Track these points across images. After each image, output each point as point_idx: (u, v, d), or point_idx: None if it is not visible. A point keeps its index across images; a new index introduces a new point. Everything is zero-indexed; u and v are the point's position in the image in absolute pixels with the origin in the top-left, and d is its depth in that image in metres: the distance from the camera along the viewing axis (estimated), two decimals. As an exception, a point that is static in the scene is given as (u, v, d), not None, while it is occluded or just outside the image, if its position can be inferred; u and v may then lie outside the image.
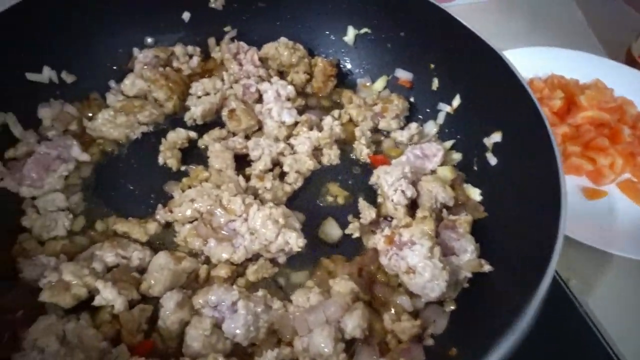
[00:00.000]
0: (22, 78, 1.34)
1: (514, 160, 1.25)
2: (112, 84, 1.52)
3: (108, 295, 1.01)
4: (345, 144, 1.48)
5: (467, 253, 1.14)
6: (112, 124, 1.39)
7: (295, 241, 1.14)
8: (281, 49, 1.58)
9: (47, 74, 1.38)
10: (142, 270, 1.14)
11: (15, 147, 1.28)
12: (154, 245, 1.21)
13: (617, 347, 1.27)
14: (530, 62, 1.78)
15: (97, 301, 1.02)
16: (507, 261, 1.13)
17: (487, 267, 1.12)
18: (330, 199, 1.35)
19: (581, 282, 1.41)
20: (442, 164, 1.39)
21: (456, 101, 1.44)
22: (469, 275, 1.13)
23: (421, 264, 1.07)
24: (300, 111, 1.51)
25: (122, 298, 1.02)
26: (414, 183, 1.32)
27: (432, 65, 1.49)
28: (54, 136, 1.34)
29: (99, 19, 1.47)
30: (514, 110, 1.26)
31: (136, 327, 1.02)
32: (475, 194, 1.31)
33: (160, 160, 1.37)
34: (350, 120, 1.53)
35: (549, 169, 1.11)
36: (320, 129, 1.46)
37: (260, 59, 1.60)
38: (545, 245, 1.00)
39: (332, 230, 1.27)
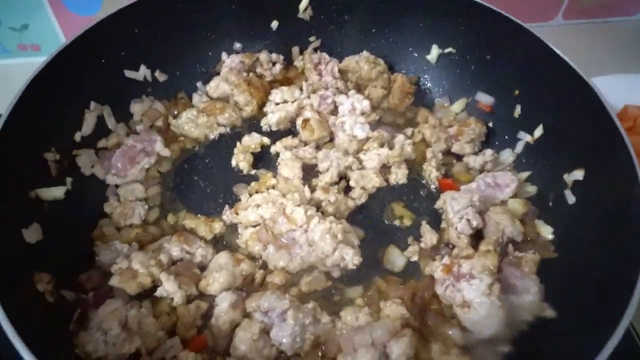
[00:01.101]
0: (121, 74, 1.45)
1: (594, 201, 1.17)
2: (199, 85, 1.61)
3: (169, 288, 1.08)
4: (414, 164, 1.46)
5: (529, 294, 1.08)
6: (193, 123, 1.48)
7: (351, 258, 1.15)
8: (362, 63, 1.59)
9: (142, 72, 1.49)
10: (203, 267, 1.20)
11: (107, 137, 1.40)
12: (218, 244, 1.27)
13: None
14: (624, 89, 1.63)
15: (159, 292, 1.09)
16: (574, 308, 1.06)
17: (549, 312, 1.06)
18: (393, 218, 1.34)
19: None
20: (515, 195, 1.33)
21: (538, 131, 1.36)
22: (529, 318, 1.07)
23: (478, 299, 1.03)
24: (374, 126, 1.51)
25: (181, 292, 1.08)
26: (482, 212, 1.27)
27: (517, 92, 1.43)
28: (142, 130, 1.45)
29: (194, 24, 1.55)
30: (600, 148, 1.18)
31: (191, 321, 1.07)
32: (547, 232, 1.24)
33: (233, 162, 1.43)
34: (423, 140, 1.50)
35: (632, 215, 1.03)
36: (391, 147, 1.45)
37: (340, 71, 1.62)
38: (619, 296, 0.93)
39: (396, 258, 1.25)
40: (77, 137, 1.33)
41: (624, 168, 1.07)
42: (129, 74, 1.47)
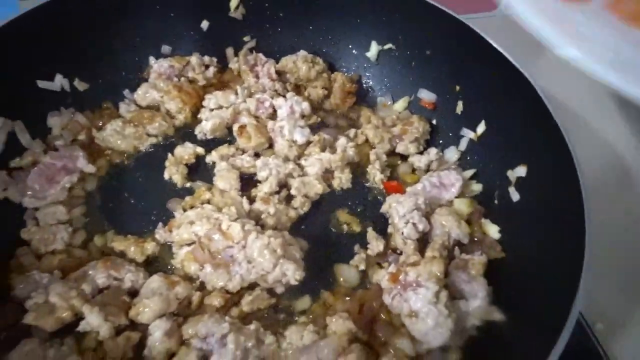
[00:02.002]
0: (33, 85, 1.32)
1: (538, 197, 1.16)
2: (126, 93, 1.49)
3: (94, 321, 0.98)
4: (358, 167, 1.41)
5: (477, 298, 1.05)
6: (120, 135, 1.37)
7: (293, 273, 1.08)
8: (299, 63, 1.52)
9: (59, 81, 1.37)
10: (134, 292, 1.10)
11: (22, 156, 1.27)
12: (151, 266, 1.18)
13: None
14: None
15: (82, 326, 0.99)
16: (523, 308, 1.04)
17: (498, 316, 1.03)
18: (338, 226, 1.28)
19: (608, 327, 1.28)
20: (460, 195, 1.30)
21: (481, 127, 1.34)
22: (478, 322, 1.04)
23: (425, 309, 0.99)
24: (315, 129, 1.45)
25: (108, 324, 0.99)
26: (428, 214, 1.24)
27: (458, 87, 1.40)
28: (61, 146, 1.32)
29: (115, 26, 1.44)
30: (542, 144, 1.16)
31: (120, 355, 0.98)
32: (493, 231, 1.21)
33: (166, 175, 1.33)
34: (367, 141, 1.45)
35: (575, 210, 1.02)
36: (333, 150, 1.39)
37: (278, 72, 1.55)
38: (565, 293, 0.92)
39: (349, 274, 1.19)
40: (-15, 158, 1.20)
41: (563, 163, 1.06)
42: (42, 84, 1.34)
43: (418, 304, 1.00)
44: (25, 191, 1.23)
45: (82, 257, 1.17)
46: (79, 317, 1.01)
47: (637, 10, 0.78)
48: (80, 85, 1.42)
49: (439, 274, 1.05)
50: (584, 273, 0.93)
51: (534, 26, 0.74)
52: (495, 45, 1.27)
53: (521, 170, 1.20)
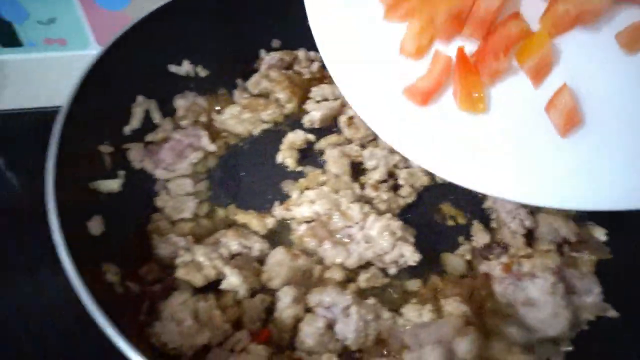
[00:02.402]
0: (165, 70, 1.44)
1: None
2: (239, 82, 1.60)
3: (234, 281, 1.07)
4: (460, 164, 1.47)
5: (591, 294, 1.10)
6: (237, 119, 1.47)
7: (411, 254, 1.15)
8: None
9: (185, 67, 1.48)
10: (261, 261, 1.19)
11: (155, 132, 1.38)
12: (271, 239, 1.26)
13: None
14: None
15: (224, 285, 1.08)
16: (633, 310, 1.07)
17: (612, 313, 1.07)
18: (442, 217, 1.35)
19: None
20: (564, 196, 1.34)
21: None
22: (591, 317, 1.08)
23: (543, 298, 1.04)
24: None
25: (245, 285, 1.07)
26: (533, 213, 1.29)
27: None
28: (187, 125, 1.44)
29: (234, 21, 1.55)
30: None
31: (256, 315, 1.07)
32: (599, 233, 1.25)
33: (279, 159, 1.42)
34: (468, 139, 1.52)
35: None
36: (436, 146, 1.46)
37: (383, 71, 1.63)
38: None
39: (456, 263, 1.24)
40: (127, 130, 1.31)
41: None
42: (173, 68, 1.46)
43: (536, 293, 1.05)
44: (158, 163, 1.34)
45: (209, 228, 1.26)
46: (217, 278, 1.11)
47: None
48: (202, 72, 1.53)
49: (553, 267, 1.10)
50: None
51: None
52: None
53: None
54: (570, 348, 1.08)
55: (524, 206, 1.26)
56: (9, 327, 1.17)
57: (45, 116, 1.63)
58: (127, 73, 1.29)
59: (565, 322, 1.03)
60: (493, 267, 1.17)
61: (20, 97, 1.72)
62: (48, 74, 1.80)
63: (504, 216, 1.26)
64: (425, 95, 0.85)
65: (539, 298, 1.05)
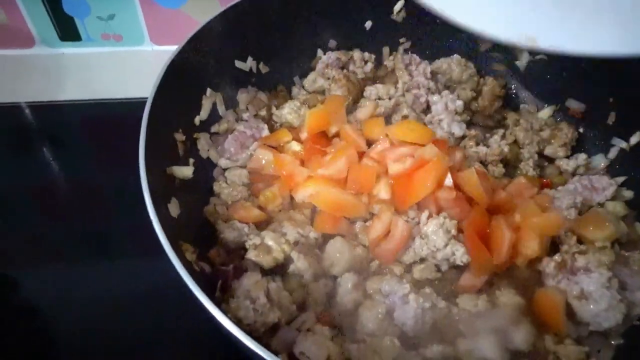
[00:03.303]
0: (232, 65, 1.52)
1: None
2: (296, 79, 1.68)
3: (301, 266, 1.13)
4: (507, 164, 1.51)
5: (643, 291, 1.13)
6: (296, 114, 1.54)
7: (461, 255, 1.20)
8: (453, 65, 1.65)
9: (249, 63, 1.56)
10: (321, 248, 1.25)
11: (219, 123, 1.46)
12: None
13: None
14: None
15: (291, 269, 1.15)
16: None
17: (664, 309, 1.10)
18: (492, 215, 1.39)
19: None
20: (612, 199, 1.38)
21: (635, 138, 1.41)
22: (642, 313, 1.12)
23: (599, 292, 1.08)
24: (467, 126, 1.57)
25: (311, 270, 1.14)
26: (581, 213, 1.32)
27: (612, 99, 1.47)
28: (249, 118, 1.52)
29: (294, 22, 1.62)
30: None
31: (320, 298, 1.13)
32: (649, 233, 1.28)
33: (336, 154, 1.49)
34: (515, 142, 1.56)
35: None
36: (486, 145, 1.50)
37: (431, 72, 1.68)
38: None
39: None
40: (197, 121, 1.40)
41: None
42: (239, 64, 1.53)
43: (591, 287, 1.09)
44: (223, 153, 1.42)
45: (265, 217, 1.33)
46: (284, 262, 1.18)
47: None
48: (264, 68, 1.60)
49: (607, 263, 1.14)
50: None
51: None
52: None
53: (679, 180, 1.27)
54: (620, 341, 1.12)
55: (574, 206, 1.30)
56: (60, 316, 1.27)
57: (101, 108, 1.76)
58: (200, 67, 1.38)
59: (620, 315, 1.07)
60: (547, 263, 1.20)
61: (78, 89, 1.83)
62: (104, 68, 1.91)
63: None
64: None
65: (595, 291, 1.09)
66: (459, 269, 1.25)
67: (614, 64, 1.43)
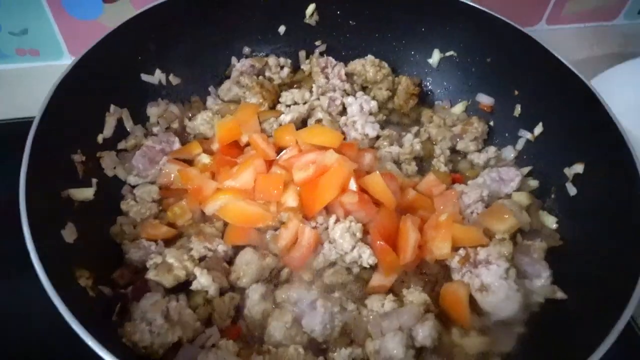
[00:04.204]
0: (138, 79, 1.48)
1: (595, 193, 1.26)
2: (211, 89, 1.65)
3: (204, 282, 1.12)
4: (421, 161, 1.54)
5: (541, 278, 1.17)
6: (209, 124, 1.52)
7: (368, 257, 1.20)
8: (367, 66, 1.66)
9: (157, 76, 1.53)
10: (229, 261, 1.24)
11: (126, 139, 1.43)
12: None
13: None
14: (617, 85, 1.70)
15: (194, 286, 1.13)
16: (581, 293, 1.14)
17: (560, 295, 1.15)
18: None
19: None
20: (518, 189, 1.42)
21: (538, 129, 1.46)
22: (541, 300, 1.16)
23: (496, 283, 1.11)
24: (381, 126, 1.59)
25: (215, 285, 1.13)
26: (488, 206, 1.36)
27: (517, 92, 1.52)
28: (159, 132, 1.48)
29: (204, 30, 1.60)
30: (599, 142, 1.27)
31: (226, 312, 1.12)
32: (550, 222, 1.33)
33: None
34: (429, 138, 1.59)
35: (632, 206, 1.12)
36: (399, 145, 1.52)
37: (346, 74, 1.69)
38: (623, 285, 1.01)
39: None
40: (100, 139, 1.36)
41: (624, 162, 1.16)
42: (145, 77, 1.50)
43: (489, 279, 1.12)
44: (131, 170, 1.39)
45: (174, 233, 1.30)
46: (188, 279, 1.16)
47: None
48: (174, 80, 1.58)
49: (507, 254, 1.17)
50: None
51: None
52: (553, 52, 1.39)
53: (578, 167, 1.31)
54: (522, 329, 1.15)
55: (482, 200, 1.33)
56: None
57: (20, 126, 1.69)
58: (99, 83, 1.34)
59: (516, 304, 1.10)
60: (451, 259, 1.23)
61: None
62: (22, 85, 1.84)
63: (463, 210, 1.33)
64: None
65: (493, 283, 1.12)
66: (372, 270, 1.26)
67: (516, 57, 1.49)
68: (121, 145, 1.42)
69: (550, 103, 1.43)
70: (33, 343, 1.19)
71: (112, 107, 1.40)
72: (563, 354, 1.03)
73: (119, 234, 1.28)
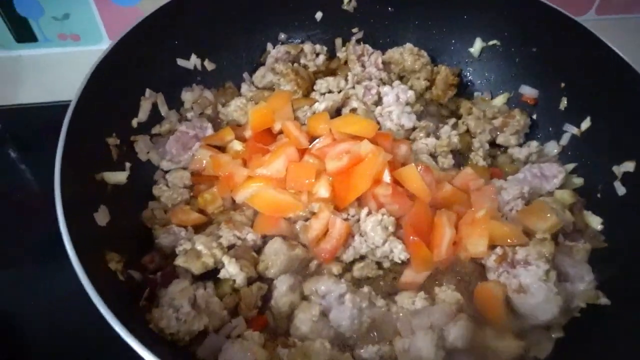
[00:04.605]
0: (174, 63, 1.48)
1: (646, 192, 1.19)
2: (245, 75, 1.64)
3: (232, 270, 1.11)
4: (459, 155, 1.49)
5: (583, 282, 1.11)
6: (242, 111, 1.51)
7: (399, 252, 1.17)
8: (406, 55, 1.61)
9: (193, 61, 1.52)
10: (258, 250, 1.23)
11: (161, 124, 1.43)
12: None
13: None
14: None
15: (222, 274, 1.12)
16: (626, 300, 1.08)
17: (603, 300, 1.09)
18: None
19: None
20: (561, 187, 1.35)
21: (585, 124, 1.38)
22: (582, 305, 1.10)
23: (535, 285, 1.06)
24: (419, 117, 1.54)
25: (243, 274, 1.12)
26: (528, 203, 1.30)
27: (563, 84, 1.44)
28: (192, 117, 1.48)
29: (240, 16, 1.58)
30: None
31: (253, 302, 1.11)
32: (595, 222, 1.26)
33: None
34: (467, 131, 1.53)
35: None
36: (437, 136, 1.47)
37: (384, 62, 1.64)
38: None
39: None
40: (134, 123, 1.37)
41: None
42: (181, 62, 1.50)
43: (528, 280, 1.07)
44: (164, 155, 1.39)
45: (205, 220, 1.30)
46: (216, 267, 1.15)
47: None
48: (209, 65, 1.57)
49: (547, 255, 1.11)
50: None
51: None
52: (608, 43, 1.30)
53: (629, 166, 1.23)
54: (561, 334, 1.10)
55: (522, 197, 1.27)
56: (21, 317, 1.24)
57: (60, 110, 1.72)
58: (136, 67, 1.35)
59: (556, 308, 1.05)
60: (487, 257, 1.18)
61: (36, 91, 1.79)
62: (62, 69, 1.87)
63: (502, 206, 1.27)
64: None
65: (532, 284, 1.06)
66: (404, 265, 1.22)
67: (564, 47, 1.41)
68: (155, 130, 1.42)
69: (600, 97, 1.35)
70: (65, 331, 1.21)
71: (148, 92, 1.40)
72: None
73: (150, 219, 1.28)
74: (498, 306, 1.11)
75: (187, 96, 1.51)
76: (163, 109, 1.45)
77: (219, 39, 1.56)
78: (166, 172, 1.39)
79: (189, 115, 1.49)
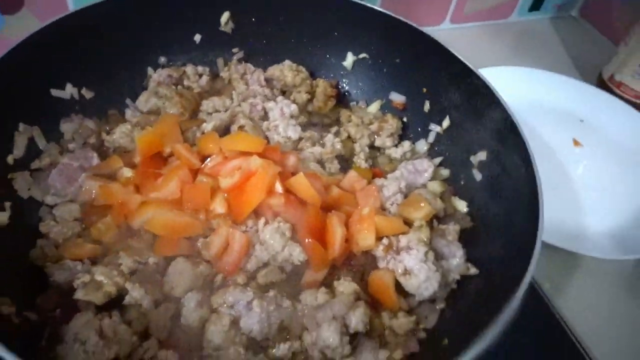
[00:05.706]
0: (47, 94, 1.43)
1: (497, 176, 1.40)
2: (128, 101, 1.62)
3: (137, 295, 1.11)
4: (343, 160, 1.62)
5: (455, 258, 1.28)
6: (129, 137, 1.50)
7: (298, 254, 1.26)
8: (286, 71, 1.72)
9: (69, 90, 1.48)
10: (162, 272, 1.24)
11: (40, 158, 1.37)
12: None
13: (587, 345, 1.42)
14: (511, 81, 1.96)
15: (127, 300, 1.12)
16: (490, 266, 1.26)
17: (472, 270, 1.26)
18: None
19: (554, 286, 1.56)
20: (432, 178, 1.54)
21: (446, 122, 1.58)
22: (457, 277, 1.27)
23: (417, 266, 1.21)
24: (303, 128, 1.65)
25: (148, 297, 1.12)
26: (406, 196, 1.46)
27: (425, 89, 1.64)
28: (75, 148, 1.44)
29: (117, 41, 1.57)
30: (496, 131, 1.41)
31: (162, 323, 1.12)
32: (462, 206, 1.45)
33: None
34: (349, 137, 1.67)
35: (528, 184, 1.26)
36: (321, 145, 1.59)
37: (266, 79, 1.74)
38: (524, 253, 1.13)
39: None
40: (10, 160, 1.30)
41: (515, 145, 1.30)
42: (55, 92, 1.45)
43: (411, 263, 1.22)
44: (47, 189, 1.34)
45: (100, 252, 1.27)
46: (120, 293, 1.14)
47: None
48: (87, 94, 1.53)
49: (425, 239, 1.27)
50: (539, 232, 1.16)
51: None
52: (451, 50, 1.52)
53: (482, 155, 1.44)
54: (443, 305, 1.26)
55: (400, 192, 1.43)
56: None
57: None
58: (6, 101, 1.28)
59: (436, 283, 1.20)
60: (377, 248, 1.31)
61: None
62: None
63: (384, 202, 1.42)
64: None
65: (414, 266, 1.21)
66: (304, 266, 1.31)
67: (419, 57, 1.61)
68: (35, 164, 1.36)
69: (452, 98, 1.56)
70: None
71: (22, 126, 1.34)
72: (477, 319, 1.13)
73: (40, 257, 1.23)
74: (389, 290, 1.24)
75: (66, 127, 1.46)
76: (41, 143, 1.39)
77: (95, 66, 1.53)
78: (52, 206, 1.34)
79: (71, 146, 1.45)
